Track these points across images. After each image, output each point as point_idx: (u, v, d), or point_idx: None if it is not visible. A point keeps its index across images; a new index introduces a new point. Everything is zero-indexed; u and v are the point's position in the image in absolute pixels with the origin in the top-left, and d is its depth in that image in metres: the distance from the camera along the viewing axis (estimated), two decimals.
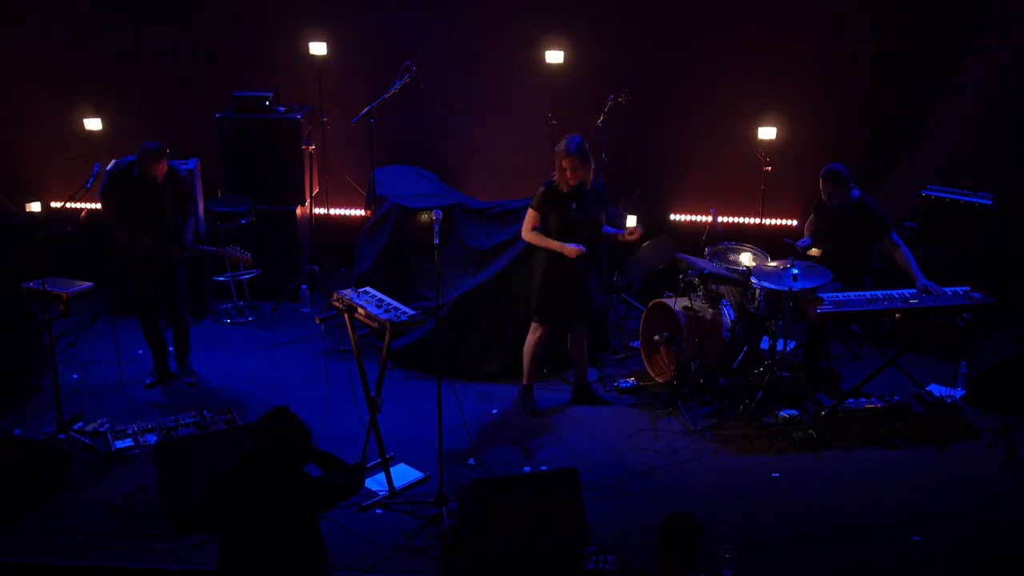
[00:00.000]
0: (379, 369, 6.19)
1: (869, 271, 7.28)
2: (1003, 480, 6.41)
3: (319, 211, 9.38)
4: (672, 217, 9.40)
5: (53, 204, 9.42)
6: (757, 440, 6.79)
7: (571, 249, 6.56)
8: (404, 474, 6.37)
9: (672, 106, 9.08)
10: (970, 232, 7.99)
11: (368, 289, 6.37)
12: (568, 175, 6.59)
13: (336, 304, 6.26)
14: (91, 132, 9.11)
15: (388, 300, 6.21)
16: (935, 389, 7.29)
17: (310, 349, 7.95)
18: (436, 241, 5.94)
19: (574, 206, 6.64)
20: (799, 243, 7.30)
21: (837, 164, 7.05)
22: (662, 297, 7.44)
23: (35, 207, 9.46)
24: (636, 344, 7.79)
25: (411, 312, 6.08)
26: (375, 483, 6.26)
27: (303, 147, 8.72)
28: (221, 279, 8.55)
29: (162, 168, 6.95)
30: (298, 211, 8.78)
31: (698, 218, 9.36)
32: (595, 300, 7.01)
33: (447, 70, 9.04)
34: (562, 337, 7.24)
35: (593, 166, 6.74)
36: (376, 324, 6.04)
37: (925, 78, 8.74)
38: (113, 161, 7.23)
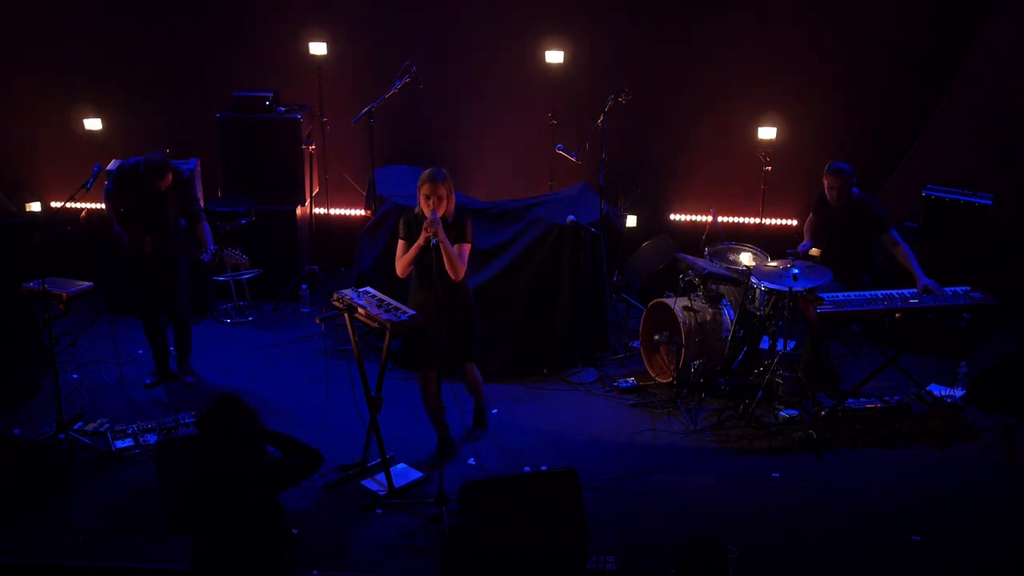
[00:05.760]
0: (379, 369, 6.19)
1: (869, 270, 7.28)
2: (1003, 480, 6.41)
3: (319, 211, 9.38)
4: (672, 217, 9.39)
5: (53, 204, 9.43)
6: (757, 440, 6.79)
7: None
8: (404, 474, 6.36)
9: (672, 106, 9.08)
10: (970, 232, 7.99)
11: (368, 289, 6.37)
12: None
13: (336, 304, 6.26)
14: (91, 132, 9.12)
15: (388, 300, 6.20)
16: (935, 389, 7.29)
17: (310, 349, 7.95)
18: (434, 242, 5.95)
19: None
20: (800, 247, 7.31)
21: (843, 162, 7.08)
22: (662, 297, 7.45)
23: (35, 207, 9.46)
24: (636, 344, 7.79)
25: (411, 312, 6.07)
26: (375, 483, 6.27)
27: (303, 147, 8.72)
28: (221, 279, 8.55)
29: (168, 179, 6.97)
30: (298, 211, 8.78)
31: (698, 218, 9.36)
32: None
33: (447, 70, 9.04)
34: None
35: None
36: (376, 324, 6.03)
37: (925, 78, 8.74)
38: (115, 161, 7.22)
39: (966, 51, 8.52)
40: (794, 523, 6.00)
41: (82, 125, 9.09)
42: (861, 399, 6.96)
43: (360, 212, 9.26)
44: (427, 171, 6.13)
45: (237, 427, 4.50)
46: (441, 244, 6.00)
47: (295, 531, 5.79)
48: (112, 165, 7.57)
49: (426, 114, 9.17)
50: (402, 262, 6.25)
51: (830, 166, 7.08)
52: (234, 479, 4.47)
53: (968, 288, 6.81)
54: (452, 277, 6.11)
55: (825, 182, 7.09)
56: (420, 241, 6.07)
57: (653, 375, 7.52)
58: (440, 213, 6.03)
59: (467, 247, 6.21)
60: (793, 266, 6.78)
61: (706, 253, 7.63)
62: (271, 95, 8.65)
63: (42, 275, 6.56)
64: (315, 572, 5.48)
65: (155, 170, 6.90)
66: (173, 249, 7.11)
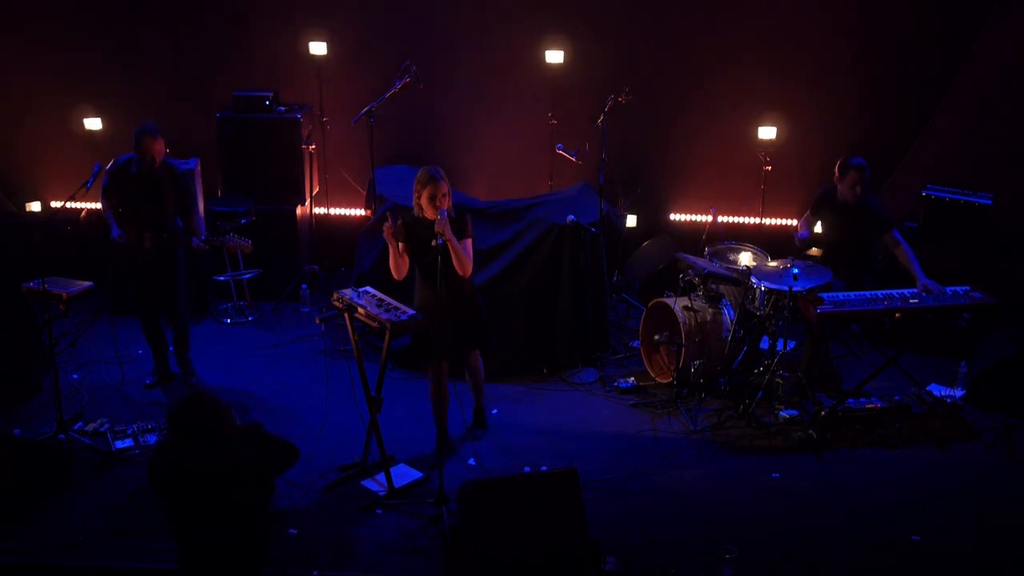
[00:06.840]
0: (379, 369, 6.19)
1: (870, 270, 7.28)
2: (1003, 480, 6.41)
3: (319, 211, 9.38)
4: (672, 217, 9.40)
5: (53, 204, 9.43)
6: (757, 440, 6.79)
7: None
8: (404, 474, 6.36)
9: (672, 106, 9.08)
10: (970, 232, 7.99)
11: (368, 289, 6.37)
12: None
13: (336, 304, 6.26)
14: (91, 132, 9.11)
15: (388, 300, 6.21)
16: (935, 389, 7.29)
17: (310, 349, 7.95)
18: (440, 241, 5.95)
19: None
20: (798, 235, 7.31)
21: (859, 157, 7.04)
22: (662, 297, 7.45)
23: (35, 207, 9.47)
24: (636, 344, 7.79)
25: (411, 312, 6.07)
26: (375, 483, 6.27)
27: (303, 147, 8.72)
28: (221, 279, 8.55)
29: (158, 147, 6.91)
30: (298, 211, 8.78)
31: (698, 218, 9.36)
32: None
33: (447, 70, 9.04)
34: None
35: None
36: (376, 324, 6.04)
37: (925, 78, 8.74)
38: (112, 160, 7.21)
39: (966, 51, 8.52)
40: (794, 523, 6.00)
41: (82, 125, 9.08)
42: (861, 399, 6.96)
43: (360, 212, 9.26)
44: (424, 172, 6.13)
45: (203, 424, 4.49)
46: (449, 242, 6.01)
47: (294, 531, 5.79)
48: (110, 165, 7.56)
49: (426, 114, 9.16)
50: (398, 264, 6.25)
51: (853, 161, 6.99)
52: (207, 476, 4.47)
53: (968, 288, 6.81)
54: (461, 274, 6.15)
55: (849, 177, 6.99)
56: (403, 254, 6.12)
57: (653, 375, 7.52)
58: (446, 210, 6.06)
59: (469, 242, 6.23)
60: (793, 266, 6.79)
61: (706, 253, 7.63)
62: (271, 95, 8.65)
63: (42, 275, 6.56)
64: (315, 572, 5.48)
65: (144, 132, 6.86)
66: (172, 244, 7.10)
